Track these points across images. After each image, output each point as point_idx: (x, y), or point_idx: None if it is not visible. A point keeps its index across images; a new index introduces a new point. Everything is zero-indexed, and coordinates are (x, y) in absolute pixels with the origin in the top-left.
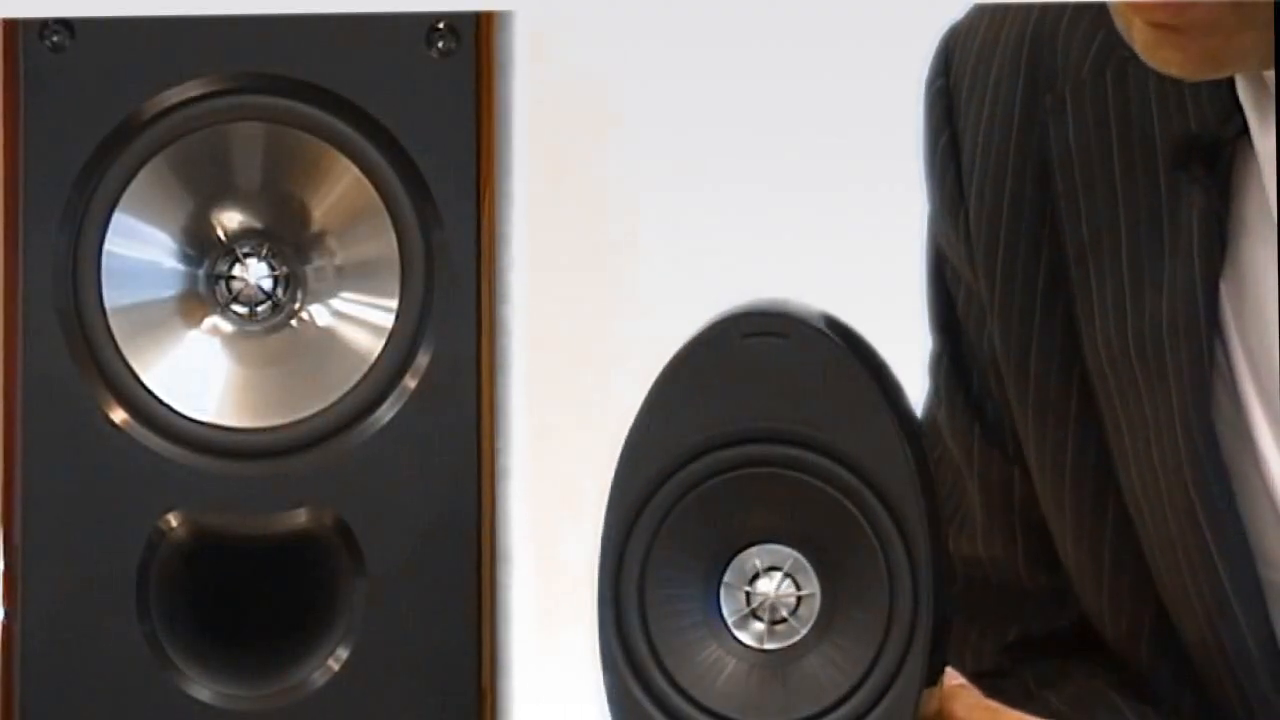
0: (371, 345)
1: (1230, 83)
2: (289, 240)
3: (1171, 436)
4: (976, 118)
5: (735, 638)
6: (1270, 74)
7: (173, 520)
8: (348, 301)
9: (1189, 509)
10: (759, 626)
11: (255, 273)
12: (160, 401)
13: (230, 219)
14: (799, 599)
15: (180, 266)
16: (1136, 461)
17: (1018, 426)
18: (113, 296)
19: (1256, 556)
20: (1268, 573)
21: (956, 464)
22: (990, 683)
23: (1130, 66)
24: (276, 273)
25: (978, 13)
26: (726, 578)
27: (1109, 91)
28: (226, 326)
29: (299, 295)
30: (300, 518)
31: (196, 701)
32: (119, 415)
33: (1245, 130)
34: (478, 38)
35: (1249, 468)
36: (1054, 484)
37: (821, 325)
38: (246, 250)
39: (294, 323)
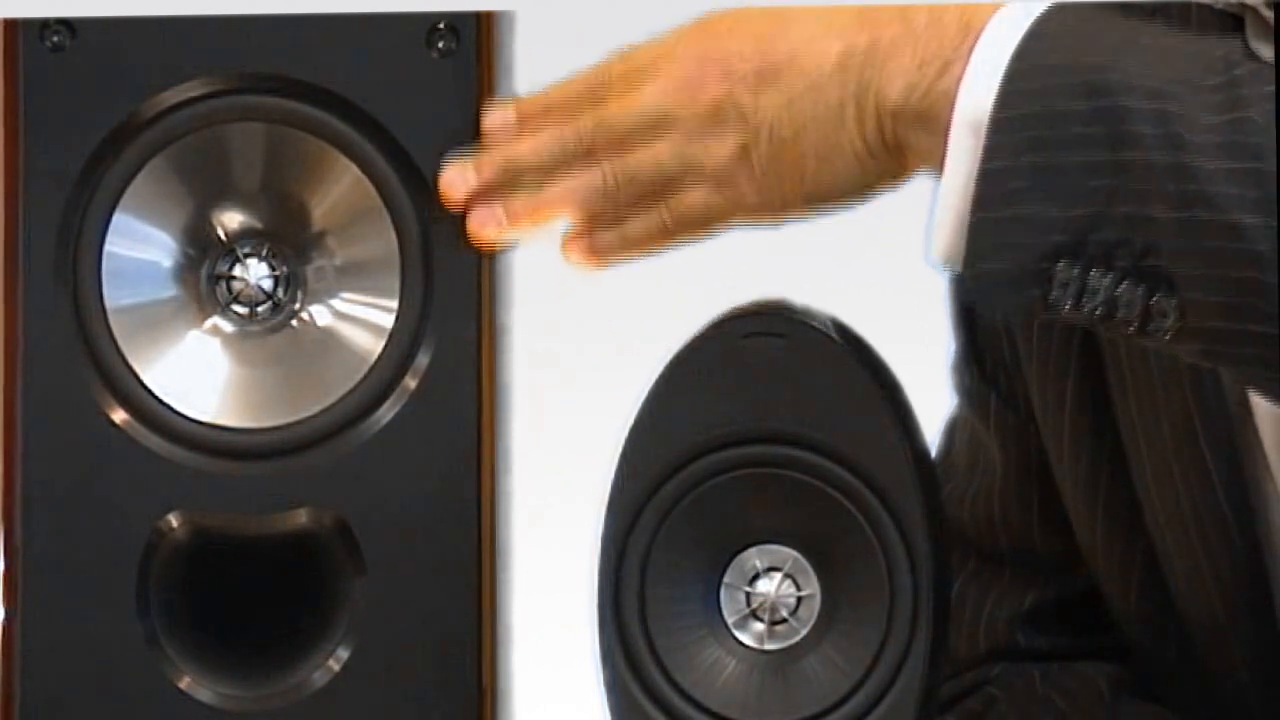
0: (371, 345)
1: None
2: (289, 240)
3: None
4: None
5: (735, 638)
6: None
7: (173, 520)
8: (348, 301)
9: (1190, 431)
10: (759, 627)
11: (255, 273)
12: (160, 401)
13: (230, 219)
14: (799, 599)
15: (180, 266)
16: (1136, 394)
17: (1028, 385)
18: (113, 296)
19: (1250, 488)
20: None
21: (973, 438)
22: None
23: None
24: (276, 273)
25: None
26: (726, 578)
27: None
28: (226, 326)
29: (299, 295)
30: (300, 518)
31: (196, 701)
32: (119, 415)
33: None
34: (478, 38)
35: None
36: (1054, 431)
37: (821, 325)
38: (247, 250)
39: (294, 323)
